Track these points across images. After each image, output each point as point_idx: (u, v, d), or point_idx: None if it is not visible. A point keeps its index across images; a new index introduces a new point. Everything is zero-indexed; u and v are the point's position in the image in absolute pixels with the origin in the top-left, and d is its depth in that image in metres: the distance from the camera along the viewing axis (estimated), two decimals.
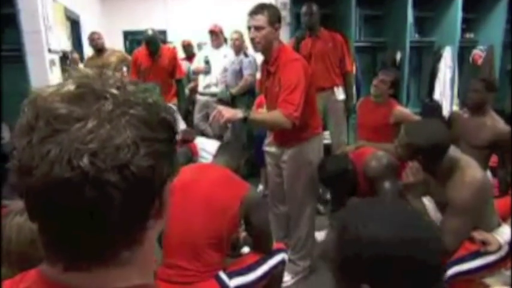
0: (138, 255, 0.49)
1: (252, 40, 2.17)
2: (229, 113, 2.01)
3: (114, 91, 0.46)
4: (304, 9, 3.50)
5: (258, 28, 2.12)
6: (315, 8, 3.48)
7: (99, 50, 4.49)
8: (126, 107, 0.45)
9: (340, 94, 3.54)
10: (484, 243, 1.77)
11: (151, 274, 0.54)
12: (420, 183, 1.86)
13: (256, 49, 2.23)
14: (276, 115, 2.09)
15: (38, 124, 0.43)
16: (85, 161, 0.41)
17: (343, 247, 0.72)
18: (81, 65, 4.81)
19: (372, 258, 0.68)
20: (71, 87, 0.45)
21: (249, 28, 2.15)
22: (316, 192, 2.53)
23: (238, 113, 2.03)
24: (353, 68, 3.68)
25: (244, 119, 2.02)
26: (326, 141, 3.62)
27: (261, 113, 2.17)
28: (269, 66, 2.25)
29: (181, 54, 5.84)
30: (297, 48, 3.41)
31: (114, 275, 0.48)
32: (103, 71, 0.49)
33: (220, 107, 2.08)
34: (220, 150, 2.02)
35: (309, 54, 3.44)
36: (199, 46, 5.82)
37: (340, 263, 0.73)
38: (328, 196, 3.40)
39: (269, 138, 2.57)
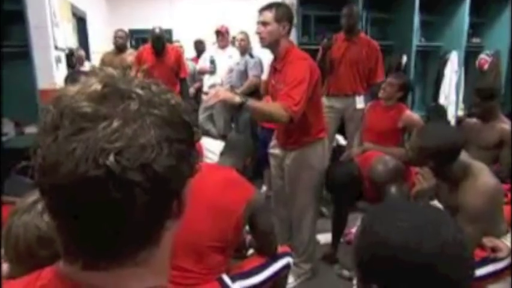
0: (155, 256, 0.49)
1: (258, 35, 2.20)
2: (226, 95, 2.00)
3: (140, 91, 0.46)
4: (344, 10, 3.40)
5: (264, 24, 2.14)
6: (355, 9, 3.39)
7: (120, 48, 4.54)
8: (151, 107, 0.46)
9: (359, 102, 3.45)
10: (493, 249, 1.76)
11: (165, 276, 0.54)
12: (432, 189, 1.85)
13: (261, 44, 2.25)
14: (275, 106, 2.07)
15: (63, 122, 0.43)
16: (111, 159, 0.41)
17: (362, 246, 0.72)
18: (87, 63, 4.83)
19: (387, 262, 0.67)
20: (97, 86, 0.45)
21: (258, 23, 2.19)
22: (319, 196, 2.51)
23: (235, 98, 2.00)
24: (383, 78, 3.45)
25: (241, 106, 1.98)
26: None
27: (258, 103, 2.15)
28: (276, 64, 2.27)
29: (192, 52, 5.85)
30: (323, 56, 3.31)
31: (129, 275, 0.48)
32: (126, 72, 0.49)
33: (218, 88, 2.06)
34: (225, 149, 2.00)
35: (340, 57, 3.40)
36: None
37: (357, 261, 0.73)
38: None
39: (274, 141, 2.57)
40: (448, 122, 4.51)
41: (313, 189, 2.40)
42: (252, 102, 2.04)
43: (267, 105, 2.15)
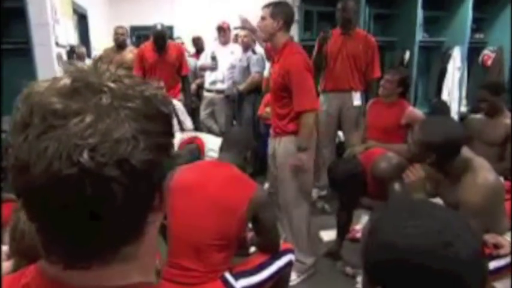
0: (139, 251, 0.48)
1: (259, 28, 2.49)
2: (299, 160, 2.35)
3: (111, 84, 0.45)
4: (339, 4, 3.37)
5: (262, 18, 2.39)
6: (350, 3, 3.34)
7: (120, 45, 4.53)
8: (124, 100, 0.44)
9: (356, 99, 3.43)
10: (496, 246, 1.74)
11: (151, 271, 0.53)
12: (422, 181, 1.85)
13: (262, 37, 2.53)
14: (302, 124, 2.33)
15: (33, 120, 0.42)
16: (85, 156, 0.40)
17: (370, 249, 0.69)
18: (88, 60, 4.81)
19: (394, 267, 0.65)
20: (66, 81, 0.44)
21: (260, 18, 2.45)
22: (309, 188, 2.56)
23: (302, 157, 2.35)
24: (379, 74, 3.44)
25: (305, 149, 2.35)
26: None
27: (303, 136, 2.36)
28: (274, 55, 2.49)
29: (190, 49, 5.84)
30: (319, 50, 3.32)
31: (113, 273, 0.47)
32: (98, 64, 0.48)
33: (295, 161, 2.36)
34: (224, 145, 1.97)
35: (337, 51, 3.38)
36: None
37: (364, 263, 0.71)
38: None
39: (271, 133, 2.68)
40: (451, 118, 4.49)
41: (301, 179, 2.45)
42: (303, 142, 2.34)
43: (304, 128, 2.34)
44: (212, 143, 3.30)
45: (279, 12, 2.34)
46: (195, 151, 3.21)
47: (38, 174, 0.40)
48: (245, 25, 2.80)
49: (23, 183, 0.42)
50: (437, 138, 1.72)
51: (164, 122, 0.48)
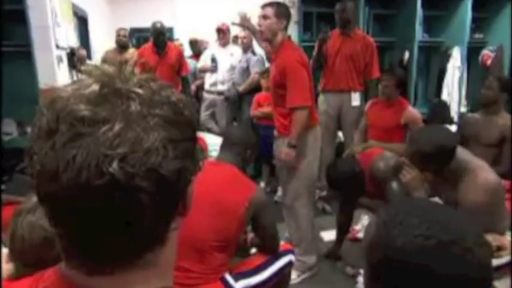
0: (160, 257, 0.48)
1: (259, 27, 2.45)
2: (287, 155, 2.35)
3: (139, 90, 0.44)
4: (337, 6, 3.40)
5: (264, 17, 2.37)
6: (349, 5, 3.37)
7: (122, 46, 4.55)
8: (152, 107, 0.43)
9: (355, 100, 3.44)
10: (498, 247, 1.74)
11: (171, 276, 0.53)
12: (419, 180, 1.86)
13: (261, 37, 2.50)
14: (294, 120, 2.32)
15: (60, 127, 0.41)
16: (114, 166, 0.39)
17: (375, 250, 0.68)
18: (88, 61, 4.83)
19: (399, 270, 0.64)
20: (95, 87, 0.43)
21: (259, 17, 2.43)
22: (313, 186, 2.57)
23: (291, 153, 2.34)
24: (378, 74, 3.43)
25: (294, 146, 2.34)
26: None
27: (293, 133, 2.35)
28: (273, 54, 2.49)
29: (188, 51, 5.83)
30: (319, 50, 3.36)
31: (135, 278, 0.47)
32: (123, 68, 0.47)
33: (282, 154, 2.38)
34: (224, 143, 1.97)
35: (336, 52, 3.40)
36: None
37: (367, 261, 0.70)
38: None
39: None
40: (451, 118, 4.50)
41: (305, 177, 2.45)
42: (293, 139, 2.32)
43: (294, 127, 2.33)
44: (214, 143, 3.31)
45: (283, 12, 2.37)
46: (200, 151, 3.21)
47: (65, 183, 0.40)
48: (244, 23, 2.76)
49: (49, 191, 0.41)
50: (428, 147, 1.73)
51: (190, 128, 0.47)
